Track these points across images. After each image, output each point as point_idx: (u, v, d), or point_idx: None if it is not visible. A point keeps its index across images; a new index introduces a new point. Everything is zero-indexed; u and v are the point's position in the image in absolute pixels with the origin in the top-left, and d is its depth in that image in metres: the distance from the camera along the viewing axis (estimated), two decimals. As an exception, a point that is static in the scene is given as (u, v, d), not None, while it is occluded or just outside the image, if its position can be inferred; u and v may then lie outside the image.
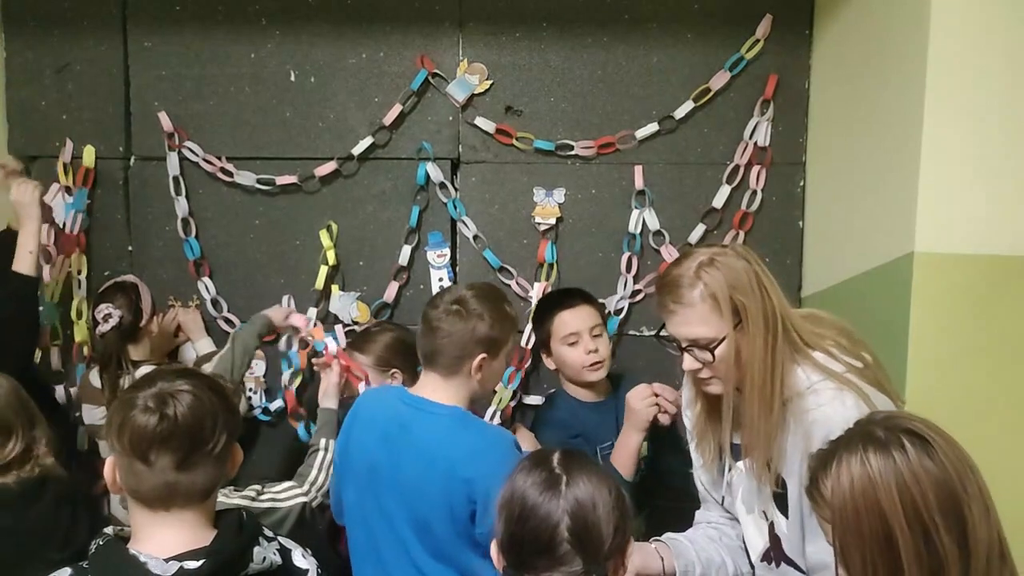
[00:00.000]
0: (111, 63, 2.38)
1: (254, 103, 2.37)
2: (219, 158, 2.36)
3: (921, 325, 1.76)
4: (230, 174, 2.36)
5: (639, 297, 2.38)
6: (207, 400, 1.14)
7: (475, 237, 2.38)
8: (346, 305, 2.36)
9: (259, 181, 2.36)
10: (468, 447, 1.52)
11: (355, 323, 2.38)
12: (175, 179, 2.37)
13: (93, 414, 2.19)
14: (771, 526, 1.42)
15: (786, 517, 1.37)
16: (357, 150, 2.35)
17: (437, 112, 2.37)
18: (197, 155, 2.36)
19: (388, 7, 2.34)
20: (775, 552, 1.42)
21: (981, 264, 1.74)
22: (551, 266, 2.38)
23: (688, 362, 1.38)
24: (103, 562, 1.11)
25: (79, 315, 2.37)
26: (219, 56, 2.36)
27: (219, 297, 2.40)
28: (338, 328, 2.37)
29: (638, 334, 2.40)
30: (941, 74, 1.73)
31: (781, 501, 1.38)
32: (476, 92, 2.35)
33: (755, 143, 2.32)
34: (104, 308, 2.14)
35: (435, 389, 1.61)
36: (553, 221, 2.37)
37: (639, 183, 2.34)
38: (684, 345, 1.37)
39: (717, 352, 1.33)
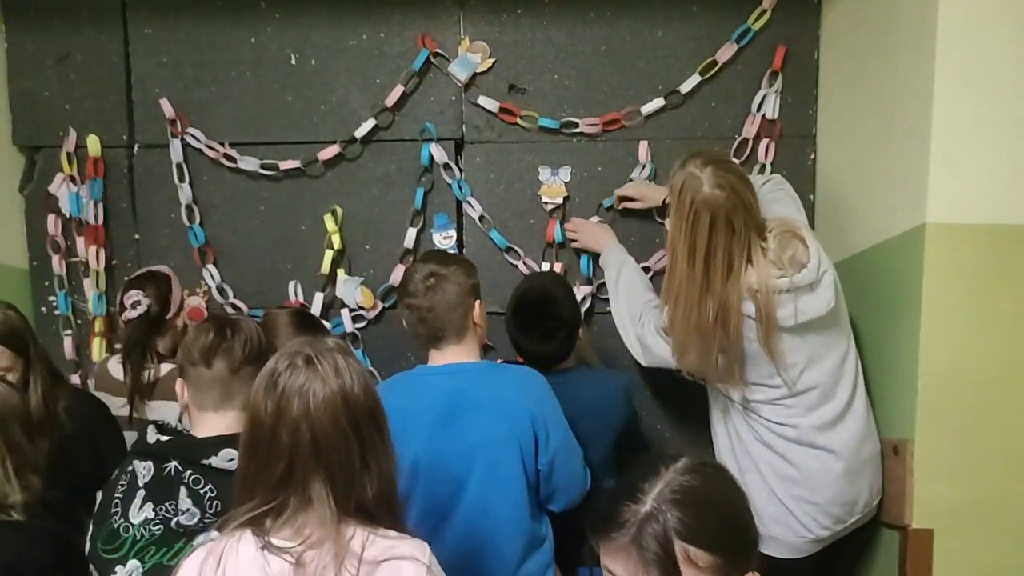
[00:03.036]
0: (112, 51, 2.37)
1: (255, 88, 2.35)
2: (222, 144, 2.35)
3: (934, 297, 1.75)
4: (233, 160, 2.35)
5: (648, 275, 2.34)
6: None
7: (481, 218, 2.36)
8: (351, 290, 2.35)
9: (262, 166, 2.35)
10: (517, 387, 1.67)
11: (360, 308, 2.37)
12: (178, 166, 2.36)
13: (112, 403, 2.18)
14: None
15: None
16: (360, 133, 2.33)
17: (440, 92, 2.34)
18: (200, 142, 2.35)
19: (388, -14, 2.31)
20: None
21: (995, 234, 1.73)
22: (559, 246, 2.36)
23: None
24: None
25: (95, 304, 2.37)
26: (219, 41, 2.34)
27: (225, 284, 2.39)
28: (344, 312, 2.36)
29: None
30: (953, 41, 1.70)
31: None
32: (479, 71, 2.32)
33: (763, 116, 2.28)
34: (134, 295, 2.09)
35: (457, 355, 1.71)
36: (560, 200, 2.34)
37: (644, 158, 2.30)
38: None
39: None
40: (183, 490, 1.43)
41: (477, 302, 1.75)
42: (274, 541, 1.10)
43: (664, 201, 2.07)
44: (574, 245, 2.31)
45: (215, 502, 1.42)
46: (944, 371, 1.77)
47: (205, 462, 1.43)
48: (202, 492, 1.43)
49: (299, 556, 1.09)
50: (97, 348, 2.38)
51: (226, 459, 1.43)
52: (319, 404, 1.10)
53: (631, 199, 2.26)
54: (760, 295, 1.73)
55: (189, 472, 1.43)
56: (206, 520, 1.41)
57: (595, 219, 2.32)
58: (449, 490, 1.62)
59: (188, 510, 1.42)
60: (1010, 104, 1.69)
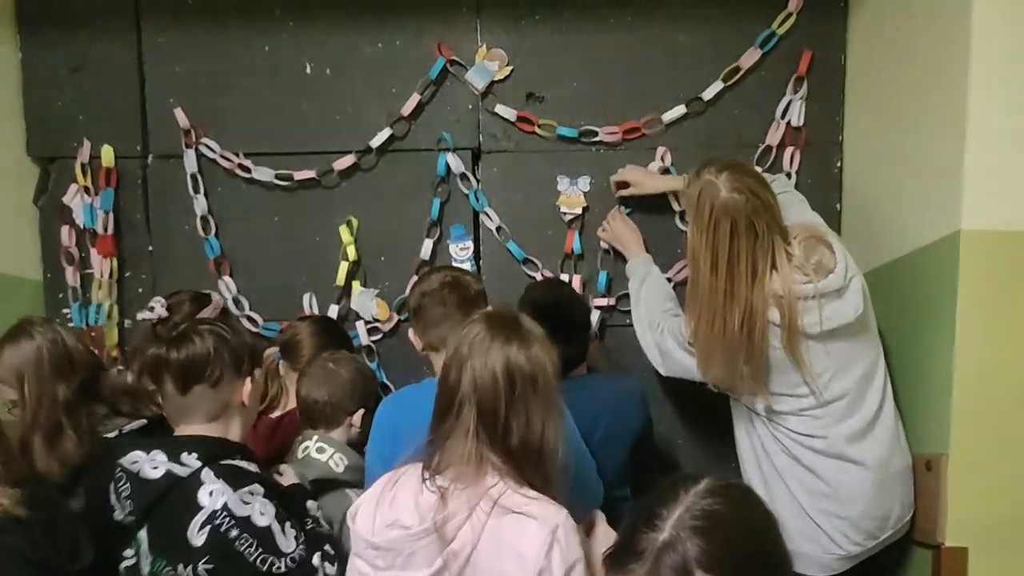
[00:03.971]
0: (126, 61, 2.35)
1: (270, 97, 2.32)
2: (236, 154, 2.32)
3: (969, 307, 1.70)
4: (248, 170, 2.32)
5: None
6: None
7: (498, 229, 2.31)
8: (366, 302, 2.31)
9: (277, 176, 2.32)
10: None
11: (376, 320, 2.33)
12: (193, 177, 2.33)
13: None
14: None
15: None
16: (376, 142, 2.30)
17: (456, 101, 2.31)
18: (215, 152, 2.32)
19: (403, -6, 2.28)
20: None
21: (1033, 241, 1.66)
22: (578, 257, 2.31)
23: None
24: None
25: (109, 318, 2.35)
26: (233, 50, 2.32)
27: (240, 296, 2.36)
28: (359, 325, 2.32)
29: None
30: (986, 43, 1.65)
31: None
32: (496, 79, 2.28)
33: (788, 123, 2.23)
34: (157, 300, 2.03)
35: None
36: (579, 210, 2.30)
37: (665, 163, 2.26)
38: None
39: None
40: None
41: (489, 307, 1.73)
42: (427, 476, 1.29)
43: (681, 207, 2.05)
44: (601, 234, 2.27)
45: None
46: (980, 384, 1.71)
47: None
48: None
49: (444, 491, 1.27)
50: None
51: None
52: (485, 353, 1.29)
53: (626, 185, 2.23)
54: (785, 301, 1.69)
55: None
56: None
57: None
58: None
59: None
60: (1049, 107, 1.63)
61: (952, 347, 1.71)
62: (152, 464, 1.45)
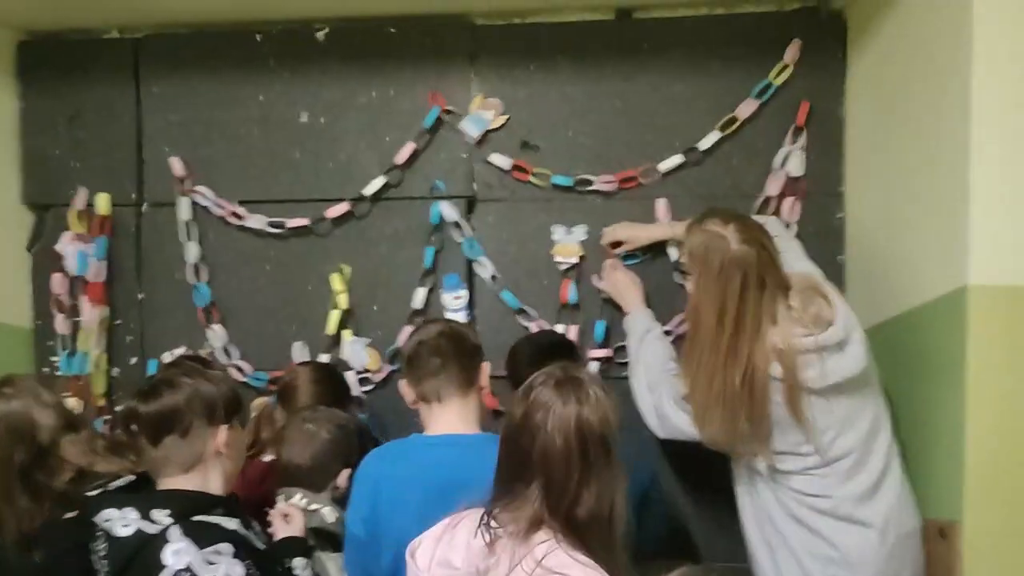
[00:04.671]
0: (123, 110, 2.37)
1: (264, 146, 2.32)
2: (230, 202, 2.31)
3: (979, 364, 1.62)
4: (241, 218, 2.31)
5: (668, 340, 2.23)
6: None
7: (493, 278, 2.27)
8: (357, 351, 2.26)
9: (270, 224, 2.30)
10: None
11: (366, 371, 2.28)
12: (186, 224, 2.32)
13: None
14: None
15: None
16: (369, 190, 2.28)
17: (451, 150, 2.29)
18: (208, 199, 2.31)
19: (398, 44, 2.29)
20: None
21: (1044, 296, 1.60)
22: (574, 307, 2.26)
23: None
24: None
25: (97, 367, 2.32)
26: (229, 100, 2.33)
27: (229, 344, 2.32)
28: (350, 375, 2.27)
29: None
30: (987, 95, 1.62)
31: None
32: (491, 128, 2.27)
33: (787, 173, 2.19)
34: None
35: (458, 417, 1.64)
36: (575, 260, 2.25)
37: (661, 216, 2.21)
38: None
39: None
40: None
41: (484, 363, 1.70)
42: (490, 522, 1.28)
43: (680, 263, 1.99)
44: (601, 285, 2.22)
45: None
46: (993, 445, 1.62)
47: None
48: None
49: (494, 540, 1.26)
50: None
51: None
52: (555, 419, 1.26)
53: (619, 243, 2.19)
54: (786, 355, 1.63)
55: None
56: None
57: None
58: None
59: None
60: (1053, 158, 1.59)
61: (963, 408, 1.63)
62: (123, 522, 1.40)
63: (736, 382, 1.64)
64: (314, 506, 1.72)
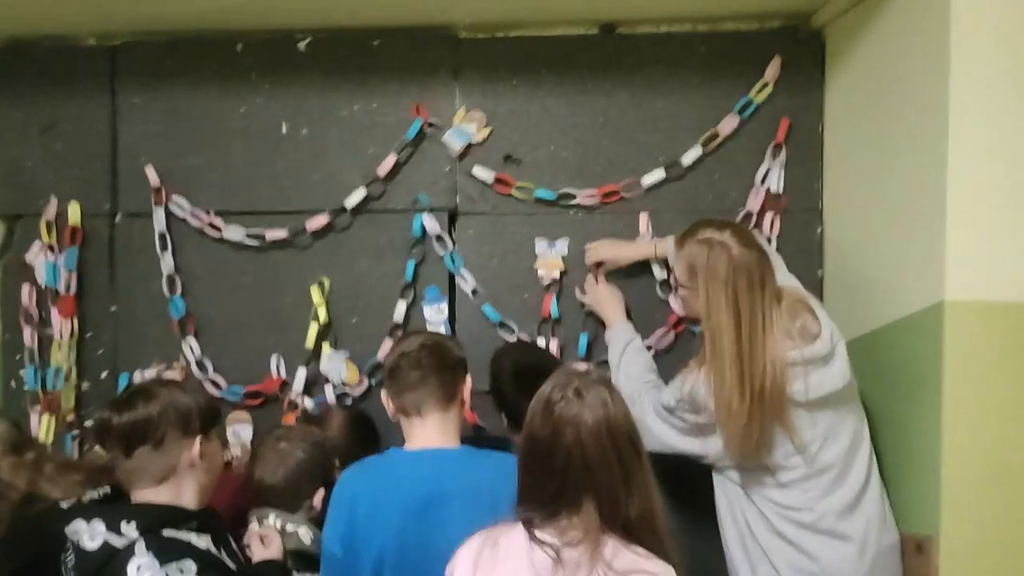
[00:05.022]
0: (99, 120, 2.32)
1: (244, 157, 2.29)
2: (207, 213, 2.27)
3: (955, 380, 1.64)
4: (218, 229, 2.27)
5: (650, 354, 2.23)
6: None
7: (474, 291, 2.26)
8: (336, 365, 2.23)
9: (248, 236, 2.27)
10: (501, 475, 1.51)
11: (345, 384, 2.25)
12: (161, 236, 2.28)
13: None
14: None
15: None
16: (350, 203, 2.26)
17: (433, 162, 2.28)
18: (184, 210, 2.27)
19: (381, 56, 2.27)
20: None
21: (1019, 312, 1.63)
22: (556, 321, 2.25)
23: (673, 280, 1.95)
24: None
25: (67, 381, 2.26)
26: (209, 111, 2.30)
27: (205, 358, 2.28)
28: (328, 389, 2.24)
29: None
30: (965, 111, 1.65)
31: None
32: (474, 141, 2.26)
33: (768, 189, 2.21)
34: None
35: (438, 431, 1.61)
36: (557, 274, 2.25)
37: (643, 231, 2.22)
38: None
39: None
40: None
41: (467, 376, 1.69)
42: (538, 535, 1.28)
43: (671, 280, 2.01)
44: (583, 298, 2.21)
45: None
46: (970, 460, 1.65)
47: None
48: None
49: (559, 551, 1.26)
50: (45, 427, 2.25)
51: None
52: (588, 433, 1.27)
53: (602, 263, 2.18)
54: (776, 366, 1.64)
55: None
56: None
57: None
58: None
59: None
60: (1028, 176, 1.62)
61: (939, 423, 1.65)
62: (90, 535, 1.39)
63: (761, 384, 1.64)
64: (289, 527, 1.68)
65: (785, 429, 1.68)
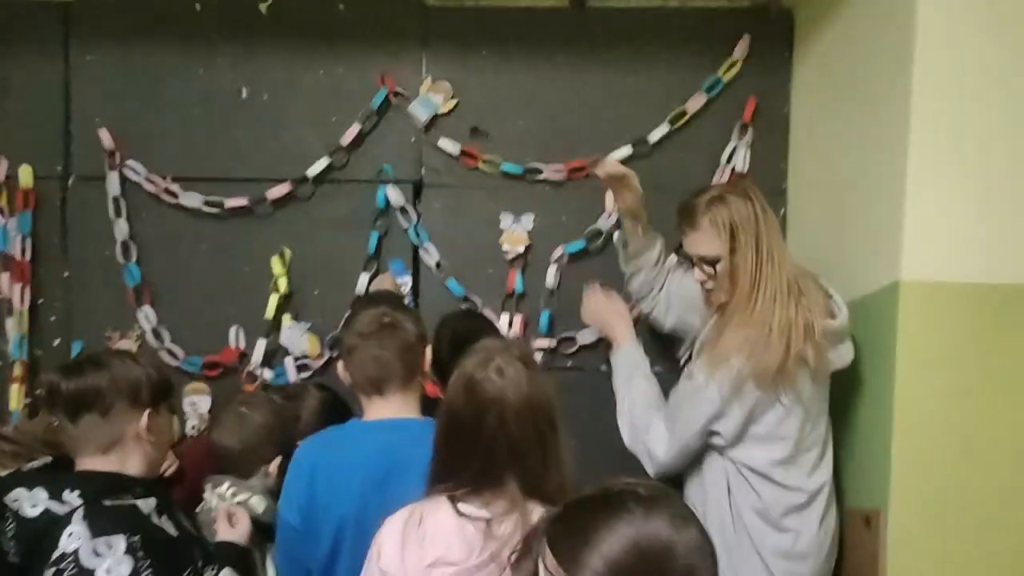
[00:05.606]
0: (51, 80, 2.24)
1: (202, 121, 2.23)
2: (164, 178, 2.21)
3: (908, 359, 1.67)
4: (175, 195, 2.21)
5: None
6: None
7: (438, 265, 2.24)
8: (296, 337, 2.20)
9: (206, 203, 2.21)
10: None
11: (305, 357, 2.22)
12: (115, 200, 2.21)
13: None
14: None
15: None
16: (313, 172, 2.22)
17: (398, 133, 2.24)
18: (139, 174, 2.21)
19: (347, 23, 2.22)
20: None
21: (972, 293, 1.66)
22: (520, 296, 2.24)
23: (697, 274, 1.79)
24: None
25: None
26: (166, 72, 2.23)
27: (160, 327, 2.23)
28: (288, 361, 2.21)
29: (609, 370, 2.25)
30: (927, 95, 1.66)
31: None
32: (440, 112, 2.23)
33: (733, 168, 2.21)
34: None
35: (398, 406, 1.59)
36: (522, 249, 2.23)
37: (609, 208, 2.21)
38: (694, 260, 1.77)
39: (717, 268, 1.73)
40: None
41: (427, 349, 1.66)
42: (463, 508, 1.27)
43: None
44: (586, 318, 2.10)
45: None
46: (919, 436, 1.68)
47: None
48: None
49: (490, 523, 1.26)
50: (16, 395, 2.19)
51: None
52: (512, 412, 1.26)
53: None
54: (808, 330, 1.66)
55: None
56: None
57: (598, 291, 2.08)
58: None
59: None
60: (987, 160, 1.64)
61: (891, 399, 1.67)
62: (31, 502, 1.36)
63: (798, 343, 1.64)
64: (241, 496, 1.65)
65: (798, 397, 1.68)
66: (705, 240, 1.74)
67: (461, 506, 1.28)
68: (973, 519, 1.66)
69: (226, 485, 1.66)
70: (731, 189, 1.78)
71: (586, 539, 0.85)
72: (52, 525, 1.33)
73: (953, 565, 1.66)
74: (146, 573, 1.32)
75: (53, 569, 1.30)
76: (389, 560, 1.28)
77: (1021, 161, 1.64)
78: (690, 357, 1.90)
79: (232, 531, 1.57)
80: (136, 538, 1.33)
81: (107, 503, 1.37)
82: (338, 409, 2.00)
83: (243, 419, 1.71)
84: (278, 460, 1.70)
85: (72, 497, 1.36)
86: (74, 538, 1.31)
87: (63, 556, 1.30)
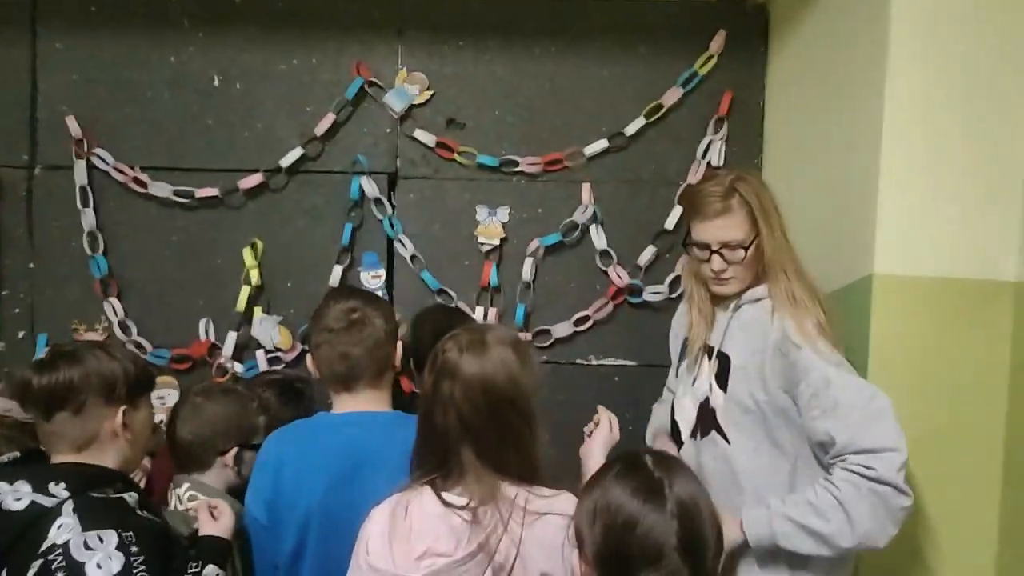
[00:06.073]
0: (18, 66, 2.19)
1: (173, 110, 2.19)
2: (132, 167, 2.17)
3: (881, 351, 1.67)
4: (144, 185, 2.17)
5: (587, 324, 2.23)
6: None
7: (412, 258, 2.21)
8: (268, 330, 2.17)
9: (176, 193, 2.18)
10: None
11: (278, 350, 2.19)
12: (82, 189, 2.17)
13: None
14: (705, 400, 1.63)
15: (724, 392, 1.60)
16: (286, 162, 2.19)
17: (374, 123, 2.22)
18: (107, 164, 2.17)
19: (322, 10, 2.20)
20: (704, 423, 1.63)
21: (944, 287, 1.67)
22: (495, 290, 2.23)
23: (718, 263, 1.61)
24: None
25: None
26: (136, 59, 2.19)
27: (128, 320, 2.18)
28: (259, 354, 2.17)
29: (585, 363, 2.25)
30: (901, 92, 1.67)
31: (721, 378, 1.61)
32: (416, 103, 2.21)
33: (709, 162, 2.22)
34: None
35: (368, 401, 1.56)
36: (497, 242, 2.22)
37: (586, 200, 2.21)
38: (715, 248, 1.59)
39: (749, 251, 1.59)
40: None
41: (398, 344, 1.62)
42: (447, 497, 1.25)
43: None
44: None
45: None
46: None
47: None
48: None
49: (474, 512, 1.23)
50: None
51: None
52: (461, 387, 1.24)
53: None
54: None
55: None
56: None
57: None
58: (346, 552, 1.42)
59: None
60: (959, 156, 1.65)
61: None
62: (15, 495, 1.31)
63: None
64: (199, 501, 1.58)
65: None
66: (733, 223, 1.59)
67: (445, 495, 1.26)
68: (941, 507, 1.67)
69: (184, 487, 1.61)
70: (745, 172, 1.67)
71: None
72: (40, 518, 1.29)
73: (919, 555, 1.67)
74: (139, 569, 1.28)
75: (41, 561, 1.26)
76: (377, 556, 1.25)
77: (990, 158, 1.65)
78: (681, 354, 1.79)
79: (215, 525, 1.50)
80: (129, 533, 1.29)
81: (95, 495, 1.33)
82: (291, 396, 1.94)
83: (196, 408, 1.66)
84: (234, 451, 1.65)
85: (58, 490, 1.32)
86: (64, 530, 1.27)
87: (52, 547, 1.26)
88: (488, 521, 1.23)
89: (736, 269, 1.61)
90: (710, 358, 1.65)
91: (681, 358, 1.78)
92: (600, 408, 1.58)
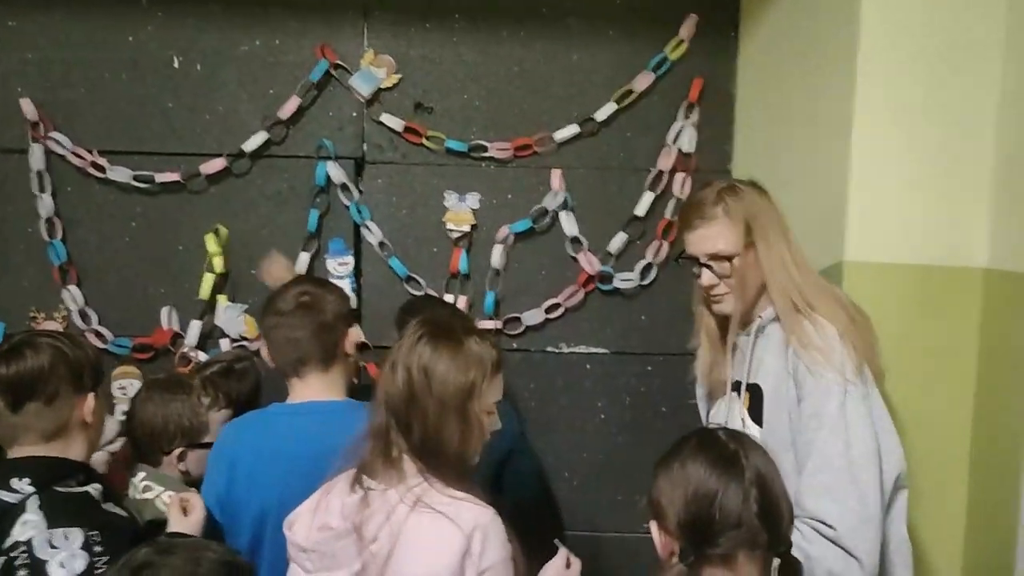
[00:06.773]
0: (-30, 45, 2.12)
1: (131, 91, 2.14)
2: (90, 151, 2.11)
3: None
4: (102, 169, 2.11)
5: (558, 312, 2.21)
6: None
7: (381, 244, 2.18)
8: (232, 318, 2.12)
9: (136, 178, 2.12)
10: None
11: (243, 339, 2.14)
12: (39, 174, 2.10)
13: None
14: None
15: (759, 426, 1.47)
16: (249, 146, 2.14)
17: (339, 107, 2.18)
18: (65, 148, 2.10)
19: (286, -10, 2.15)
20: None
21: (914, 274, 1.67)
22: (464, 277, 2.20)
23: (707, 278, 1.51)
24: None
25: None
26: (93, 38, 2.13)
27: (88, 308, 2.13)
28: (224, 343, 2.13)
29: (556, 351, 2.23)
30: (872, 79, 1.66)
31: (755, 411, 1.48)
32: (383, 86, 2.16)
33: (679, 149, 2.19)
34: None
35: (320, 389, 1.53)
36: (467, 228, 2.19)
37: (556, 187, 2.18)
38: (703, 260, 1.50)
39: (735, 263, 1.47)
40: None
41: (351, 329, 1.58)
42: (364, 480, 1.25)
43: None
44: None
45: None
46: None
47: None
48: None
49: (368, 492, 1.24)
50: None
51: None
52: (400, 370, 1.25)
53: None
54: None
55: None
56: None
57: None
58: None
59: None
60: (931, 143, 1.65)
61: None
62: None
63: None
64: (152, 492, 1.55)
65: None
66: (719, 233, 1.49)
67: (365, 478, 1.25)
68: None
69: (140, 476, 1.58)
70: (739, 181, 1.56)
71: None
72: (3, 514, 1.25)
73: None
74: (100, 570, 1.24)
75: (3, 558, 1.22)
76: (300, 526, 1.28)
77: (958, 147, 1.65)
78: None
79: (185, 521, 1.45)
80: (94, 532, 1.26)
81: (59, 489, 1.30)
82: (239, 376, 1.86)
83: (143, 405, 1.63)
84: (178, 451, 1.61)
85: (22, 485, 1.28)
86: (29, 527, 1.24)
87: (15, 545, 1.23)
88: (376, 505, 1.22)
89: (729, 284, 1.50)
90: (739, 393, 1.51)
91: (708, 407, 1.67)
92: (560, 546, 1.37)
